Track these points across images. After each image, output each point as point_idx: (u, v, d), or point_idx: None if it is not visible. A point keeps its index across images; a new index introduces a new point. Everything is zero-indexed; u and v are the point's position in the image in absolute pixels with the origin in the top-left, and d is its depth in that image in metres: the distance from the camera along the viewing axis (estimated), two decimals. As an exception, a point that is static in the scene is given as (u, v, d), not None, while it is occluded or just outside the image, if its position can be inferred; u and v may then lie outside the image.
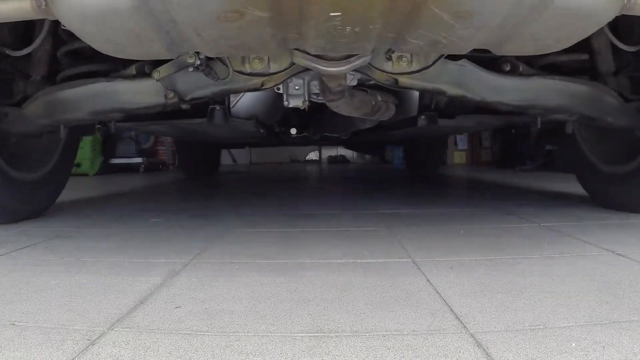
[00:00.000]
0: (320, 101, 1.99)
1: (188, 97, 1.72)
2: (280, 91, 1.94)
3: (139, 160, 6.13)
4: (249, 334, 0.83)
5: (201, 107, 2.16)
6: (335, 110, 1.92)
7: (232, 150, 10.42)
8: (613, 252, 1.37)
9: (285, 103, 1.95)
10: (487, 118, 2.48)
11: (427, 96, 2.36)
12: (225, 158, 10.36)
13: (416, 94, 2.41)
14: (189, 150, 5.05)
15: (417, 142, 5.17)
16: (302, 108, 1.95)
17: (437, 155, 5.49)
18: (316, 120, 3.40)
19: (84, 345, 0.78)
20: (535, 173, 5.20)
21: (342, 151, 10.49)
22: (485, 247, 1.48)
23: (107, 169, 6.01)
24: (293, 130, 3.34)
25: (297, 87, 1.93)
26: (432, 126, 2.43)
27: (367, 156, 10.38)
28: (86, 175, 5.69)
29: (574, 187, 3.43)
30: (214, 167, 5.94)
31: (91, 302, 1.00)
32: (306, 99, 1.93)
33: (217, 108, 2.16)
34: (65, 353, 0.75)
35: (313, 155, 10.88)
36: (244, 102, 2.39)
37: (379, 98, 2.05)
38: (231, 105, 2.26)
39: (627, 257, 1.31)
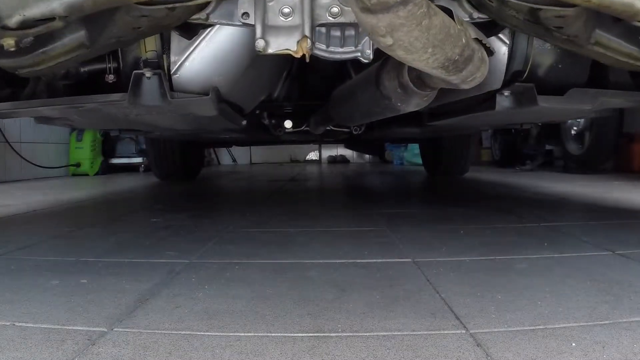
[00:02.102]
0: (334, 55, 1.10)
1: (12, 20, 0.88)
2: (249, 20, 1.07)
3: (139, 160, 6.14)
4: (249, 334, 0.83)
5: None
6: (384, 46, 0.80)
7: (233, 152, 10.44)
8: (613, 252, 1.37)
9: (260, 45, 1.04)
10: (620, 96, 1.53)
11: (519, 54, 1.46)
12: (226, 158, 10.39)
13: (502, 49, 1.45)
14: (161, 148, 4.09)
15: (438, 139, 4.12)
16: (298, 57, 1.07)
17: (463, 156, 4.29)
18: (324, 105, 2.30)
19: (84, 345, 0.78)
20: (535, 173, 5.20)
21: (341, 151, 10.50)
22: (485, 247, 1.48)
23: (107, 169, 6.02)
24: (288, 124, 2.69)
25: (286, 10, 1.04)
26: (522, 109, 1.54)
27: (367, 156, 10.40)
28: (86, 175, 5.70)
29: (574, 187, 3.43)
30: (195, 169, 4.79)
31: (91, 302, 1.00)
32: (307, 34, 1.04)
33: (147, 75, 1.34)
34: (65, 353, 0.75)
35: (313, 155, 10.87)
36: (196, 63, 1.39)
37: (471, 34, 0.96)
38: (172, 70, 1.38)
39: (627, 257, 1.31)
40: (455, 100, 1.64)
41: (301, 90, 2.58)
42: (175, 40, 1.36)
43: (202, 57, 1.38)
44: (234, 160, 10.52)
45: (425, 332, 0.82)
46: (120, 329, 0.85)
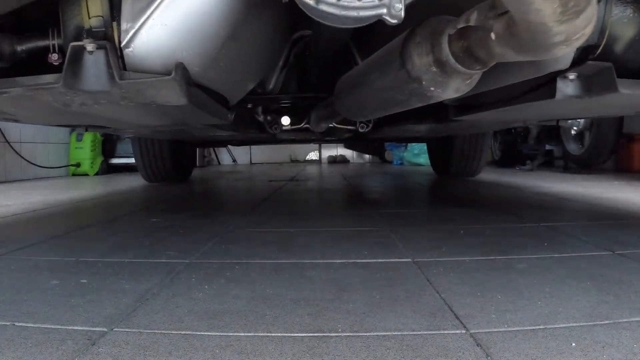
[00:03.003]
0: (348, 12, 0.77)
1: None
2: None
3: (139, 160, 6.13)
4: (249, 334, 0.83)
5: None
6: None
7: (233, 152, 10.44)
8: (613, 252, 1.37)
9: None
10: None
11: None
12: (227, 158, 10.39)
13: None
14: (148, 147, 3.77)
15: (449, 138, 3.84)
16: None
17: (476, 156, 3.97)
18: (327, 97, 2.00)
19: (84, 345, 0.78)
20: (535, 173, 5.21)
21: (341, 151, 10.52)
22: (485, 247, 1.48)
23: (107, 169, 6.02)
24: (285, 120, 2.42)
25: None
26: (591, 98, 1.19)
27: (367, 156, 10.42)
28: (86, 175, 5.70)
29: (574, 186, 3.44)
30: (186, 171, 4.50)
31: (91, 302, 1.00)
32: None
33: (88, 48, 1.02)
34: (65, 353, 0.75)
35: (313, 155, 10.88)
36: (156, 32, 1.04)
37: None
38: (124, 42, 1.03)
39: (627, 257, 1.31)
40: (497, 88, 1.26)
41: (300, 81, 2.34)
42: (129, 1, 1.03)
43: (165, 24, 1.03)
44: (234, 160, 10.53)
45: (425, 332, 0.82)
46: (120, 329, 0.85)
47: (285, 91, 2.19)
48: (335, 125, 2.49)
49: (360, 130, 2.56)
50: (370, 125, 2.54)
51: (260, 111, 2.37)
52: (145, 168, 4.00)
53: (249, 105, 2.36)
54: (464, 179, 4.19)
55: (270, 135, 2.66)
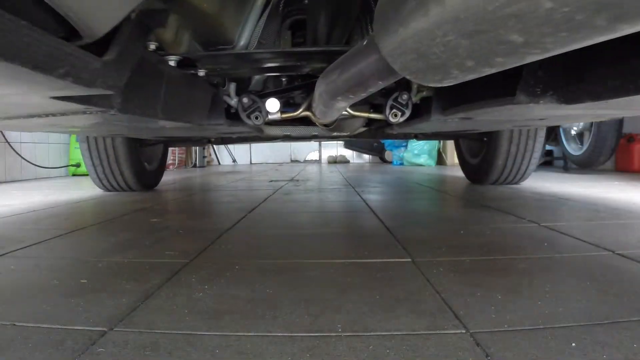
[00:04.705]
0: None
1: None
2: None
3: (138, 160, 6.11)
4: (249, 334, 0.83)
5: None
6: None
7: (233, 152, 10.45)
8: (613, 252, 1.37)
9: None
10: None
11: None
12: (227, 159, 10.38)
13: None
14: (99, 148, 3.00)
15: (494, 133, 3.04)
16: None
17: (526, 158, 3.19)
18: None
19: (84, 345, 0.78)
20: (535, 172, 5.20)
21: (341, 151, 10.53)
22: (485, 247, 1.48)
23: (107, 169, 6.02)
24: (272, 105, 1.64)
25: None
26: None
27: (366, 156, 10.44)
28: (86, 175, 5.70)
29: (574, 186, 3.43)
30: (153, 177, 3.64)
31: (91, 302, 1.00)
32: None
33: None
34: (65, 353, 0.75)
35: (313, 155, 10.88)
36: None
37: None
38: None
39: (627, 257, 1.31)
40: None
41: (295, 38, 1.65)
42: None
43: None
44: (234, 161, 10.54)
45: (425, 332, 0.82)
46: (120, 329, 0.85)
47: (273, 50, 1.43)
48: (351, 112, 1.73)
49: (392, 119, 1.72)
50: (408, 110, 1.71)
51: (233, 90, 1.60)
52: (98, 173, 3.19)
53: (200, 72, 1.42)
54: (509, 186, 3.57)
55: (252, 129, 1.82)
